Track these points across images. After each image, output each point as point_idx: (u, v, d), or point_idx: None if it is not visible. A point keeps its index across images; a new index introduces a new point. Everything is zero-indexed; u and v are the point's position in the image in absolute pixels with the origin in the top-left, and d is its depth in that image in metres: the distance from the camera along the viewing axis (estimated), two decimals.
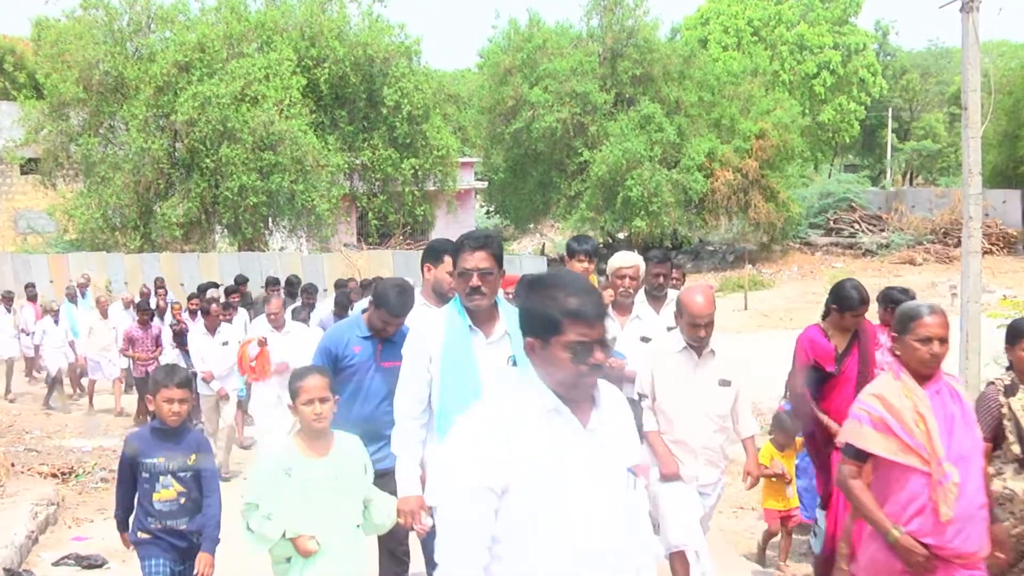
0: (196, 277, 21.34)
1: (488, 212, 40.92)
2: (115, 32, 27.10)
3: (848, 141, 51.18)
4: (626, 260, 6.09)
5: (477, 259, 4.27)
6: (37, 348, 15.36)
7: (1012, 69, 36.32)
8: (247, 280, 14.93)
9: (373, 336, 5.16)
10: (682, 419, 5.24)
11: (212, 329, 10.19)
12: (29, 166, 30.73)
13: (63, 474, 9.61)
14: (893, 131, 54.81)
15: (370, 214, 29.36)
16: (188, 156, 25.99)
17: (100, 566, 6.99)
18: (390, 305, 5.09)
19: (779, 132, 31.47)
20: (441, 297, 5.22)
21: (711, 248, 33.99)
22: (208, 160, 25.15)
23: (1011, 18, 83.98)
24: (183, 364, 10.26)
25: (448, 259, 5.05)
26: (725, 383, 5.29)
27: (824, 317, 5.91)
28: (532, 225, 36.91)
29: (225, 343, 10.12)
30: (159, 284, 15.27)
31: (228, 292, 12.64)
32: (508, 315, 4.26)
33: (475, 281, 4.24)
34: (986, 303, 12.13)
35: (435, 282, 5.26)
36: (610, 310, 5.94)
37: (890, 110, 53.91)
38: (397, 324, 5.12)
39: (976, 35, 11.53)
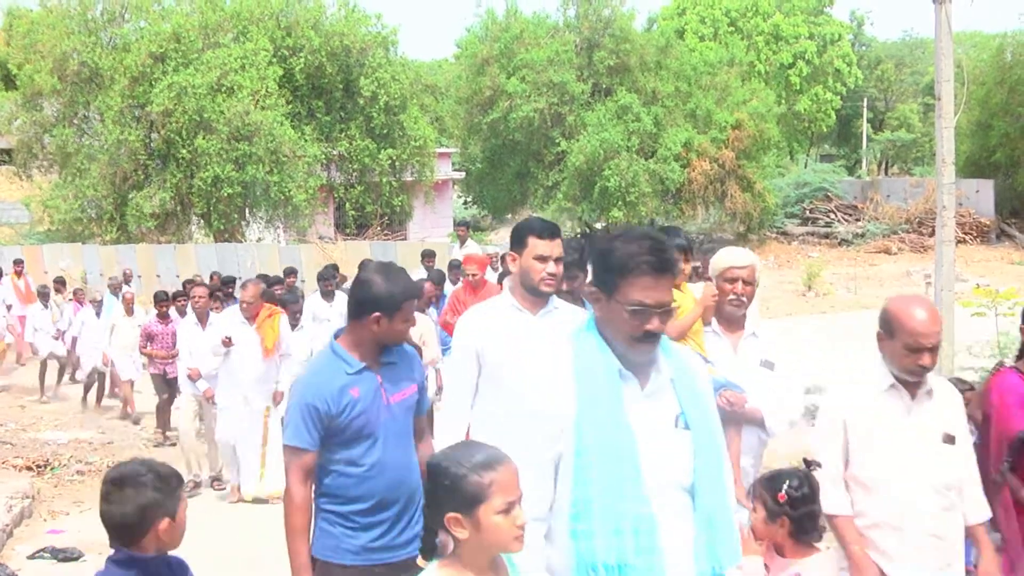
0: (172, 268, 21.27)
1: (466, 202, 40.88)
2: (89, 22, 26.90)
3: (824, 131, 51.42)
4: (738, 258, 4.49)
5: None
6: (74, 341, 14.10)
7: (985, 60, 36.51)
8: (295, 271, 13.88)
9: (367, 368, 3.72)
10: (892, 494, 3.65)
11: (202, 321, 9.61)
12: (1, 157, 30.47)
13: (38, 467, 9.56)
14: (868, 121, 55.10)
15: (347, 205, 29.29)
16: (164, 147, 25.84)
17: (76, 559, 6.98)
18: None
19: (755, 122, 31.57)
20: (535, 297, 4.23)
21: (688, 238, 34.09)
22: (184, 151, 25.01)
23: (984, 9, 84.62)
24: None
25: (535, 241, 4.16)
26: (950, 439, 3.69)
27: (1022, 356, 4.28)
28: (510, 215, 36.86)
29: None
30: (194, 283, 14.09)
31: (271, 283, 11.18)
32: (671, 352, 2.90)
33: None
34: (959, 292, 12.24)
35: (522, 274, 4.22)
36: (715, 325, 4.48)
37: (865, 100, 54.19)
38: (406, 328, 3.80)
39: (949, 26, 11.62)
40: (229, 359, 8.71)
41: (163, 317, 11.13)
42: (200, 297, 9.72)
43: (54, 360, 14.31)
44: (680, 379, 2.83)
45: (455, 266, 12.22)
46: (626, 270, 2.68)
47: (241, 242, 26.07)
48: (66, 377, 14.68)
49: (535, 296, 4.22)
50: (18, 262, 18.18)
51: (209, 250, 23.73)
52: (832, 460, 3.76)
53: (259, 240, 28.02)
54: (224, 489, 9.11)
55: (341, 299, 10.99)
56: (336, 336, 3.83)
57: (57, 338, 14.33)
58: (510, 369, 3.86)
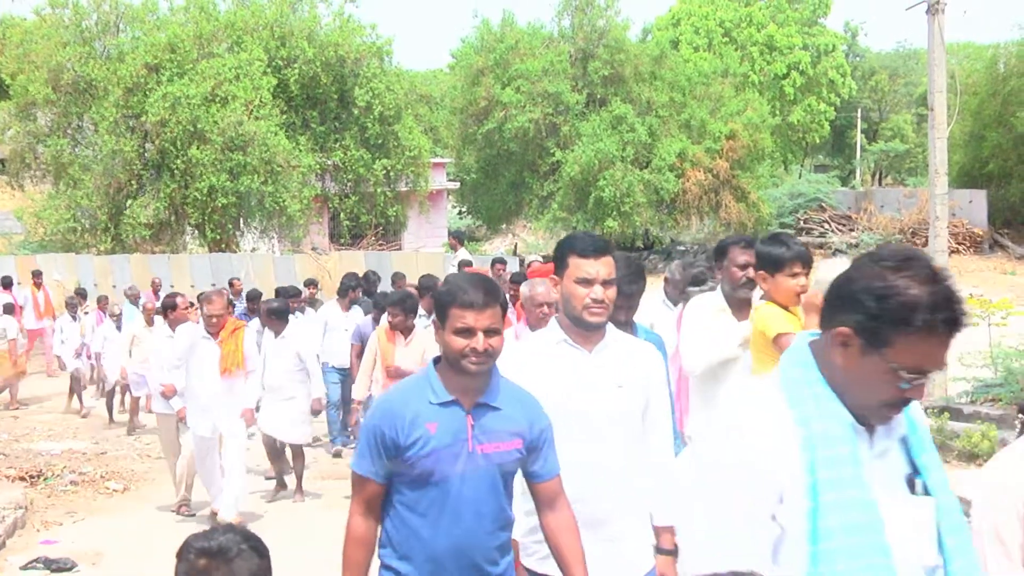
0: (167, 278, 21.22)
1: (460, 213, 40.90)
2: (83, 32, 26.87)
3: (818, 142, 51.55)
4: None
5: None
6: (98, 356, 13.97)
7: (977, 70, 36.70)
8: (316, 283, 13.97)
9: (456, 400, 3.10)
10: None
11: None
12: None
13: (31, 477, 9.53)
14: (862, 132, 55.26)
15: (342, 215, 29.27)
16: (158, 157, 25.82)
17: (69, 569, 6.95)
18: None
19: (749, 132, 31.67)
20: (583, 330, 3.54)
21: (682, 248, 34.15)
22: (178, 161, 25.00)
23: (977, 20, 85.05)
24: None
25: (576, 260, 3.49)
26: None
27: None
28: (504, 225, 36.92)
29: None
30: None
31: (289, 295, 11.28)
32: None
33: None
34: None
35: (564, 302, 3.56)
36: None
37: (859, 111, 54.35)
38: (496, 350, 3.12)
39: (942, 37, 11.69)
40: (190, 377, 8.19)
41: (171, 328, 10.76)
42: (182, 308, 9.36)
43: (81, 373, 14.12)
44: (913, 433, 2.26)
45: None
46: (912, 325, 2.03)
47: (235, 252, 26.05)
48: (92, 390, 14.56)
49: (583, 328, 3.52)
50: (36, 273, 17.69)
51: (203, 260, 23.71)
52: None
53: (254, 250, 27.99)
54: (192, 515, 8.63)
55: (358, 309, 11.08)
56: (437, 361, 3.22)
57: (79, 353, 14.07)
58: (565, 420, 3.38)
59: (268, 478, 9.54)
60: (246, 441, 8.51)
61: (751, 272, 4.61)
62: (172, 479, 8.93)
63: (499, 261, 13.28)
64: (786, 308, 4.35)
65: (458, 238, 16.02)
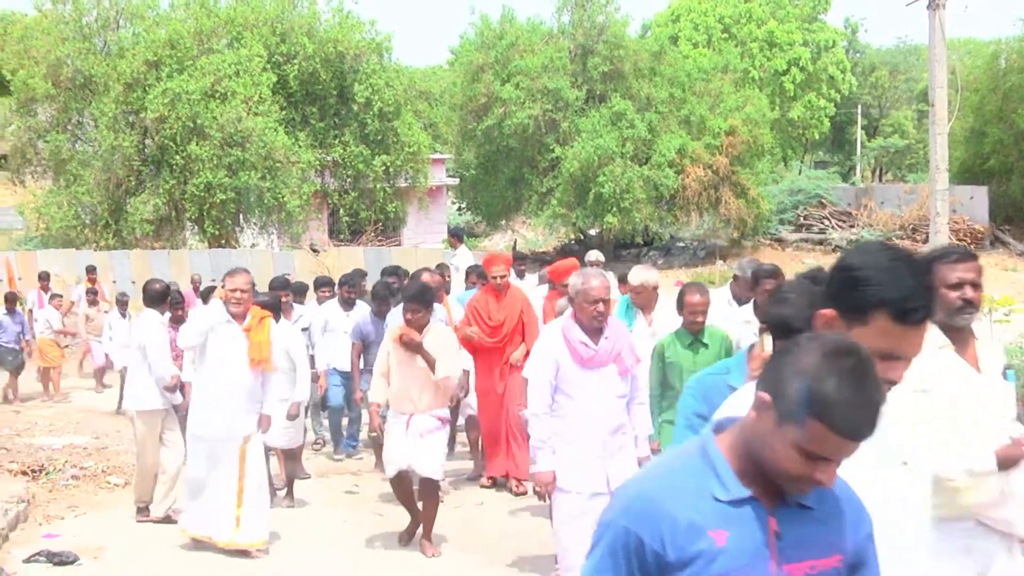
0: (167, 274, 21.23)
1: (460, 209, 40.88)
2: (83, 27, 26.89)
3: (818, 138, 51.58)
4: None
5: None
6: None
7: (978, 66, 36.65)
8: (366, 275, 12.34)
9: (753, 499, 2.10)
10: None
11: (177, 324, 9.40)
12: None
13: (33, 472, 9.54)
14: (862, 128, 55.28)
15: (341, 211, 29.28)
16: (158, 153, 25.84)
17: (71, 562, 6.96)
18: None
19: (749, 128, 31.65)
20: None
21: (682, 244, 34.15)
22: (177, 157, 25.02)
23: (977, 15, 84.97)
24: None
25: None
26: None
27: None
28: (504, 222, 36.89)
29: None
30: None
31: (295, 291, 10.71)
32: None
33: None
34: None
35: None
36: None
37: (859, 107, 54.36)
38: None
39: (943, 32, 11.69)
40: (204, 366, 7.12)
41: (176, 322, 9.90)
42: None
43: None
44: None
45: (474, 271, 10.97)
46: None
47: (235, 248, 26.07)
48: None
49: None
50: (91, 269, 17.12)
51: (203, 256, 23.73)
52: None
53: (253, 246, 28.01)
54: (147, 520, 8.02)
55: (361, 308, 10.29)
56: (719, 428, 2.22)
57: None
58: None
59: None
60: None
61: (970, 292, 3.47)
62: (142, 489, 8.11)
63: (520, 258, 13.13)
64: None
65: (457, 236, 15.00)
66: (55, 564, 6.94)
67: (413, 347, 6.91)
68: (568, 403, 5.43)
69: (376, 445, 8.65)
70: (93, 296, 15.47)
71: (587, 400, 5.39)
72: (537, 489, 5.57)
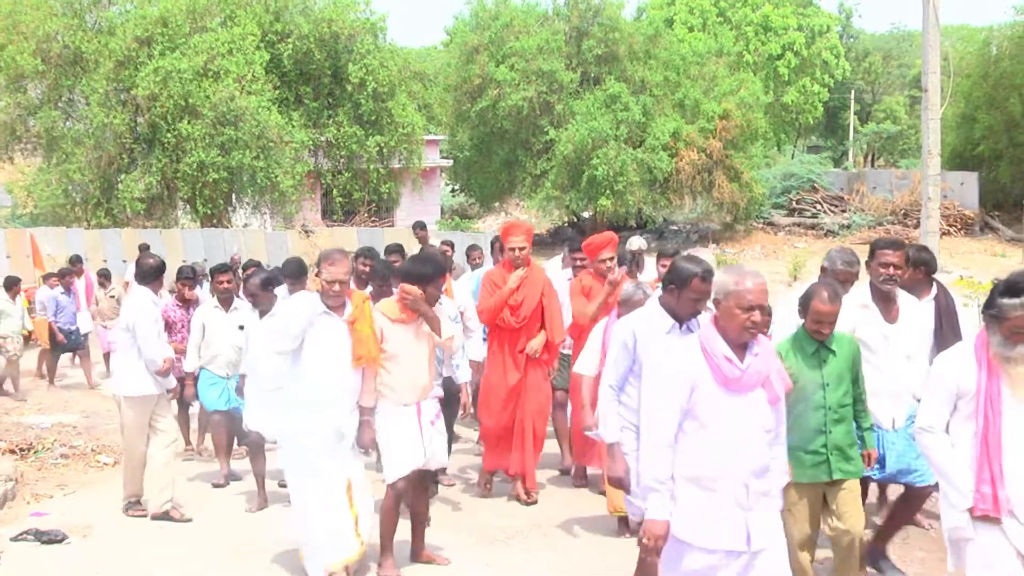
0: (159, 253, 21.15)
1: (453, 190, 40.84)
2: (73, 3, 26.69)
3: (811, 123, 51.57)
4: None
5: None
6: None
7: (971, 52, 36.64)
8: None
9: None
10: None
11: (186, 306, 9.22)
12: None
13: (22, 450, 9.54)
14: (855, 113, 55.28)
15: (335, 191, 29.21)
16: (149, 131, 25.71)
17: (59, 541, 6.97)
18: None
19: (743, 112, 31.63)
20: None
21: (675, 228, 34.17)
22: (169, 135, 24.91)
23: (971, 2, 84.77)
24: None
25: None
26: None
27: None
28: (497, 204, 36.88)
29: (241, 327, 8.15)
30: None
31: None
32: None
33: None
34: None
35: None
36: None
37: (852, 92, 54.34)
38: None
39: (936, 18, 11.67)
40: (299, 368, 6.06)
41: (184, 300, 9.40)
42: (227, 281, 8.55)
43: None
44: None
45: (474, 249, 10.50)
46: None
47: (228, 228, 25.99)
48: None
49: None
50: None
51: (195, 235, 23.67)
52: None
53: (246, 226, 27.93)
54: (140, 515, 7.55)
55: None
56: None
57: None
58: None
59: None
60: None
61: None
62: (133, 484, 7.64)
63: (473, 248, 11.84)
64: None
65: (423, 228, 13.39)
66: (43, 543, 6.94)
67: (417, 307, 6.08)
68: (702, 434, 4.21)
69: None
70: (101, 279, 15.24)
71: (728, 431, 4.19)
72: (644, 541, 4.25)
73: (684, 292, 5.08)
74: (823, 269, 6.29)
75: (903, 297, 5.97)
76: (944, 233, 25.57)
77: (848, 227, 32.99)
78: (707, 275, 5.04)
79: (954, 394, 4.35)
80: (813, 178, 35.36)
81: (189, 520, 7.50)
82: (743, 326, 4.16)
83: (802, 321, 5.25)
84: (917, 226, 26.76)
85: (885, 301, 5.84)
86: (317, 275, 6.22)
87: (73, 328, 14.10)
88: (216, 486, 8.46)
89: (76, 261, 15.90)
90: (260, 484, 7.87)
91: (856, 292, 5.92)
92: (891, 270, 5.79)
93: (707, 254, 6.49)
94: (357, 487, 6.07)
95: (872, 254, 5.92)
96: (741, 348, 4.23)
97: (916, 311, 6.05)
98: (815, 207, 34.60)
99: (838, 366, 5.14)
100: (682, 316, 5.18)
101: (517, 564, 6.57)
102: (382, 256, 8.81)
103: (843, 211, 34.14)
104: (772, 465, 4.32)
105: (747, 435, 4.21)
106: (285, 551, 6.61)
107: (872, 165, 52.73)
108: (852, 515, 5.14)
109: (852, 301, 5.74)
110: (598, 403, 5.76)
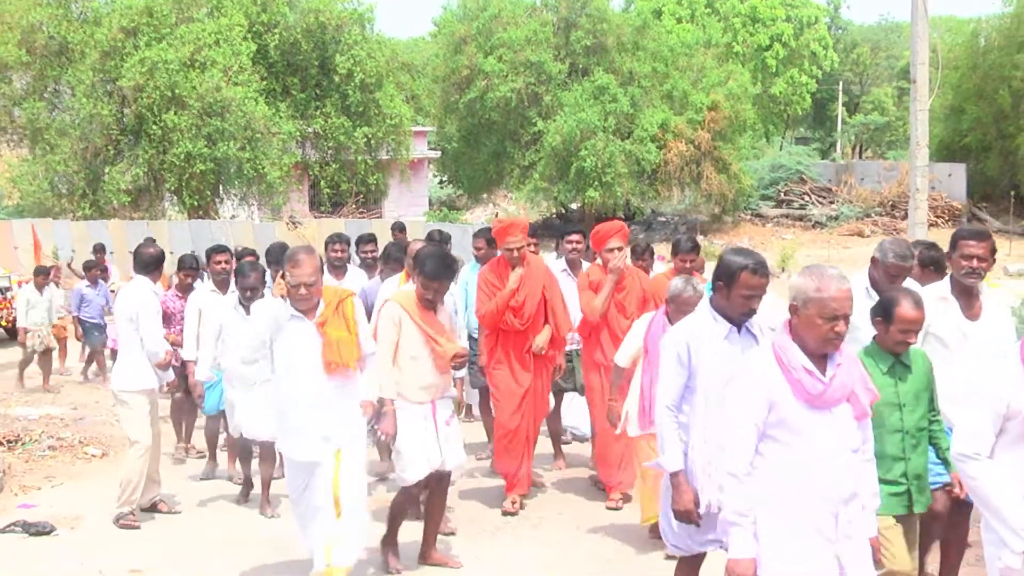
0: None
1: (441, 182, 40.78)
2: None
3: (799, 114, 51.71)
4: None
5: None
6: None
7: (959, 44, 36.78)
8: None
9: None
10: None
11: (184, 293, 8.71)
12: None
13: (9, 442, 9.49)
14: (843, 104, 55.43)
15: (322, 183, 29.13)
16: (136, 122, 25.60)
17: (47, 533, 6.93)
18: None
19: (731, 103, 31.66)
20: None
21: (663, 219, 34.20)
22: (155, 127, 24.80)
23: None
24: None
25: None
26: None
27: None
28: (485, 195, 36.86)
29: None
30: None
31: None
32: None
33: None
34: None
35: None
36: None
37: (840, 84, 54.47)
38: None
39: (925, 9, 11.69)
40: (276, 374, 5.70)
41: (185, 291, 8.83)
42: (224, 262, 8.09)
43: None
44: None
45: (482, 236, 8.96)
46: None
47: (215, 219, 25.90)
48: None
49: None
50: (99, 248, 15.51)
51: (182, 227, 23.58)
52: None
53: (233, 217, 27.83)
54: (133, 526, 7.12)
55: (355, 274, 9.01)
56: None
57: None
58: None
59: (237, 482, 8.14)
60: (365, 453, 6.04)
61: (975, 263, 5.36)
62: (148, 491, 7.34)
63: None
64: None
65: (402, 230, 12.53)
66: (31, 534, 6.91)
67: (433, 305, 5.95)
68: (784, 456, 3.74)
69: (382, 446, 7.63)
70: (103, 273, 14.84)
71: (812, 453, 3.71)
72: None
73: (734, 289, 4.46)
74: (873, 260, 5.60)
75: (987, 293, 5.41)
76: (932, 225, 25.58)
77: (836, 218, 33.09)
78: (758, 268, 4.45)
79: (1002, 414, 3.77)
80: (801, 169, 35.44)
81: (178, 513, 7.47)
82: (825, 337, 3.70)
83: (873, 332, 4.67)
84: (905, 217, 26.84)
85: (967, 296, 5.27)
86: (282, 277, 5.63)
87: (100, 323, 13.28)
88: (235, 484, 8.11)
89: (100, 250, 14.98)
90: (265, 488, 7.44)
91: (936, 285, 5.44)
92: (975, 262, 5.18)
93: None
94: (346, 499, 5.53)
95: (954, 245, 5.32)
96: (821, 359, 3.77)
97: (1001, 310, 5.48)
98: (803, 198, 34.68)
99: (915, 384, 4.59)
100: (734, 317, 4.53)
101: (505, 557, 6.52)
102: (378, 242, 8.74)
103: (831, 202, 34.23)
104: (861, 489, 3.85)
105: (833, 456, 3.73)
106: (275, 544, 6.59)
107: (860, 156, 52.87)
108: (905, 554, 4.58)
109: (930, 293, 5.20)
110: (645, 415, 5.70)
